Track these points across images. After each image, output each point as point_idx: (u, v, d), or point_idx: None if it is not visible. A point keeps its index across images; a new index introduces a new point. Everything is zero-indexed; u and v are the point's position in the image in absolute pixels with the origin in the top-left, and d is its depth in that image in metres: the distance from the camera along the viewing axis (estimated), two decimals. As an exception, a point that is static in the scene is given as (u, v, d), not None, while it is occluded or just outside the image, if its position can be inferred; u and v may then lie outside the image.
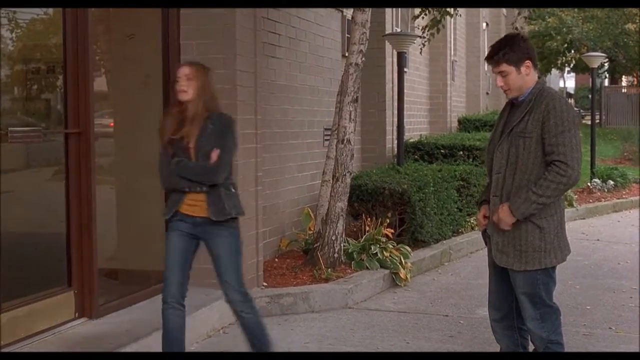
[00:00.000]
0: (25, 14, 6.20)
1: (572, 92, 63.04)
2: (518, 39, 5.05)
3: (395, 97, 13.10)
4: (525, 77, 4.99)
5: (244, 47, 7.52)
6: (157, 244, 7.59)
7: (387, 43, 12.89)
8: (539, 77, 5.10)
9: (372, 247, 8.93)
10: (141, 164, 7.71)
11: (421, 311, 7.91)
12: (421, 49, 13.12)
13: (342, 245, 8.79)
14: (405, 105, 12.28)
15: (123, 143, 7.74)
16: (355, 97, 8.57)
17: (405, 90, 12.30)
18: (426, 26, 12.04)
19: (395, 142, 13.28)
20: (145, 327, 6.35)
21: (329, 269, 8.45)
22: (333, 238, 8.64)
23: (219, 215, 5.33)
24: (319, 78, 10.85)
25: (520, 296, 5.05)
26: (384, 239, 9.10)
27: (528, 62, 4.98)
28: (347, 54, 11.04)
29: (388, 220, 9.47)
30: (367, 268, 8.78)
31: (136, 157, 7.71)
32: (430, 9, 11.75)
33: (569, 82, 65.91)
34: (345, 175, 8.60)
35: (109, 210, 7.46)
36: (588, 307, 7.99)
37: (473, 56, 22.43)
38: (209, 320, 6.98)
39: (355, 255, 8.85)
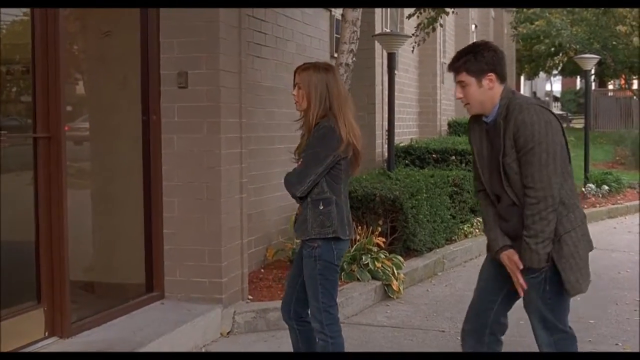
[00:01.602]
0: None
1: (558, 95, 62.89)
2: (484, 48, 4.42)
3: (385, 99, 12.72)
4: (487, 91, 4.36)
5: (228, 46, 7.07)
6: (135, 254, 7.16)
7: (376, 43, 12.47)
8: (504, 85, 4.47)
9: (363, 258, 8.49)
10: (119, 169, 7.27)
11: (416, 326, 7.47)
12: (413, 47, 12.69)
13: (331, 255, 8.31)
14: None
15: (99, 147, 7.28)
16: (345, 99, 8.11)
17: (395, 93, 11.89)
18: (420, 24, 11.62)
19: (385, 146, 12.87)
20: (121, 347, 5.88)
21: (277, 281, 8.03)
22: (322, 248, 8.17)
23: (299, 232, 4.97)
24: (306, 79, 10.37)
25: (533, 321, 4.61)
26: (375, 249, 8.66)
27: (491, 75, 4.35)
28: (336, 54, 10.67)
29: (379, 229, 9.03)
30: (358, 280, 8.34)
31: (113, 162, 7.26)
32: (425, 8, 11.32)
33: (556, 85, 65.74)
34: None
35: (84, 218, 7.00)
36: (592, 321, 7.55)
37: (462, 58, 21.97)
38: (191, 338, 6.51)
39: (345, 266, 8.39)
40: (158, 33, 7.08)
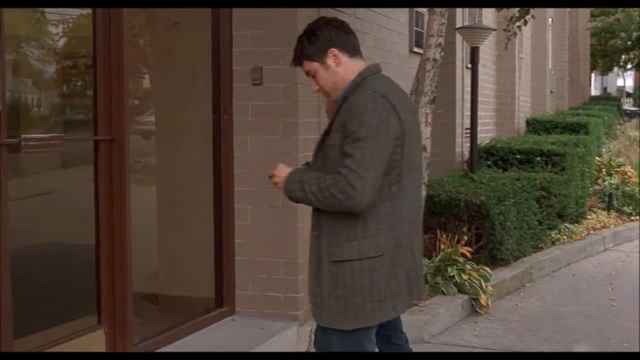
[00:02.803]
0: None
1: (630, 91, 61.47)
2: (317, 26, 3.81)
3: (465, 96, 12.06)
4: (336, 70, 3.76)
5: (306, 39, 6.44)
6: (203, 265, 6.61)
7: (457, 37, 11.76)
8: (370, 67, 3.81)
9: (449, 269, 7.82)
10: (187, 171, 6.72)
11: (509, 347, 6.78)
12: (506, 43, 12.02)
13: (414, 266, 7.67)
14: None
15: (166, 148, 6.75)
16: (432, 97, 7.47)
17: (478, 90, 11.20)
18: (512, 18, 10.92)
19: (465, 145, 12.18)
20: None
21: (400, 294, 7.35)
22: (404, 258, 7.53)
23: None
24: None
25: None
26: (461, 259, 7.99)
27: (334, 51, 3.74)
28: (416, 48, 10.02)
29: (466, 238, 8.36)
30: (443, 293, 7.67)
31: (181, 164, 6.72)
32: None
33: (628, 80, 64.20)
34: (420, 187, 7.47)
35: (148, 224, 6.48)
36: None
37: (539, 53, 21.16)
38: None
39: (429, 278, 7.74)
40: (230, 25, 6.54)
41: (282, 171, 3.83)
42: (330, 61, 3.75)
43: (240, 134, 6.54)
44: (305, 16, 6.45)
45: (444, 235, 8.33)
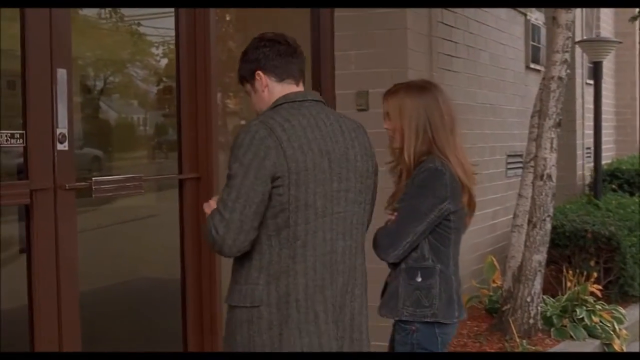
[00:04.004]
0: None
1: None
2: (250, 46, 3.26)
3: (586, 114, 11.26)
4: (261, 94, 3.22)
5: (417, 59, 5.84)
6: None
7: (577, 51, 10.95)
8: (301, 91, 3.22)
9: (577, 310, 7.03)
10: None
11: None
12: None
13: (538, 308, 6.92)
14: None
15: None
16: (557, 120, 6.71)
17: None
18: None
19: (587, 167, 11.35)
20: None
21: (524, 340, 6.63)
22: (528, 299, 6.80)
23: (385, 309, 3.66)
24: (500, 95, 9.00)
25: None
26: (591, 299, 7.19)
27: (259, 73, 3.20)
28: (540, 64, 9.33)
29: (595, 275, 7.57)
30: (572, 338, 6.89)
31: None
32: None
33: None
34: (545, 220, 6.73)
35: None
36: None
37: (657, 65, 20.07)
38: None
39: (555, 320, 6.98)
40: (332, 44, 6.06)
41: (209, 207, 3.18)
42: (257, 84, 3.22)
43: (344, 167, 5.94)
44: (416, 33, 5.84)
45: (570, 272, 7.55)
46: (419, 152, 3.61)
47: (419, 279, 3.56)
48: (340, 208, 3.11)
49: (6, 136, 3.56)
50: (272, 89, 3.16)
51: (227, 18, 6.82)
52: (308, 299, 3.04)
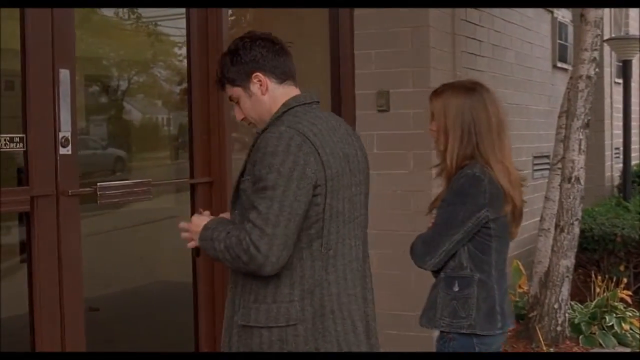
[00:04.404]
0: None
1: None
2: (242, 44, 3.01)
3: (615, 114, 11.05)
4: (261, 97, 2.99)
5: (440, 58, 5.66)
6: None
7: (606, 50, 10.72)
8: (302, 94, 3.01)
9: (607, 317, 6.83)
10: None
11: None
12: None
13: (566, 314, 6.72)
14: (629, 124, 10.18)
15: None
16: (586, 120, 6.50)
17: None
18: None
19: (615, 168, 11.14)
20: None
21: (551, 348, 6.44)
22: (555, 306, 6.60)
23: (423, 318, 3.54)
24: (526, 95, 8.79)
25: None
26: (621, 306, 6.97)
27: (258, 75, 2.97)
28: (567, 63, 9.13)
29: (625, 280, 7.35)
30: (601, 345, 6.69)
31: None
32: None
33: None
34: (573, 224, 6.52)
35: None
36: None
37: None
38: None
39: (583, 327, 6.78)
40: (352, 43, 5.89)
41: (196, 225, 2.98)
42: (254, 87, 2.98)
43: (364, 169, 5.79)
44: (439, 32, 5.66)
45: (599, 277, 7.34)
46: (462, 155, 3.46)
47: (456, 289, 3.44)
48: (357, 212, 2.98)
49: (5, 140, 3.41)
50: (273, 91, 2.94)
51: (247, 18, 6.69)
52: (343, 309, 2.89)
